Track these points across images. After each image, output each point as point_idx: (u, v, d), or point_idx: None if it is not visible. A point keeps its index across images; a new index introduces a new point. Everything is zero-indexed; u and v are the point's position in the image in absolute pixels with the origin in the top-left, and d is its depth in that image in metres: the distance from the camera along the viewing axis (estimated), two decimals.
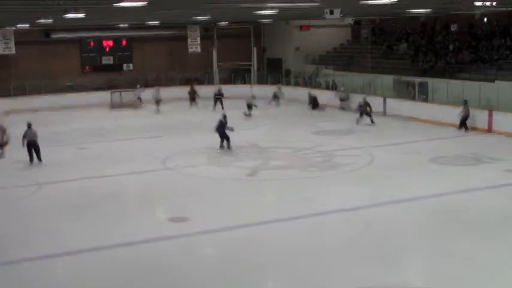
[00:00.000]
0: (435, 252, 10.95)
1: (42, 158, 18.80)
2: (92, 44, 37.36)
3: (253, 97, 28.88)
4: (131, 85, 34.13)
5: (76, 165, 18.84)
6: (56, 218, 13.70)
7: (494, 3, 21.68)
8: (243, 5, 20.28)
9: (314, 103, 30.00)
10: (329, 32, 37.47)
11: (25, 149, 18.70)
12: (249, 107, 27.84)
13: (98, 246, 11.60)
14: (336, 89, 32.51)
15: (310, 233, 12.15)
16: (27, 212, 14.16)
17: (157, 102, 30.67)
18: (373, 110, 25.07)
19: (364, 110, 24.82)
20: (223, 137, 20.12)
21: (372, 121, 24.62)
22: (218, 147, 20.20)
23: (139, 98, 32.83)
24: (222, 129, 20.05)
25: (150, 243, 11.76)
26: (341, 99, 29.78)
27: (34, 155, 18.75)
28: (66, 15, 20.32)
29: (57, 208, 14.36)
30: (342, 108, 29.45)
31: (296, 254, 11.03)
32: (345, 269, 10.32)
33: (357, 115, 24.94)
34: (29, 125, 18.95)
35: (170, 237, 12.05)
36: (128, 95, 33.33)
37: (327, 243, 11.66)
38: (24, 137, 18.73)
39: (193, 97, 32.01)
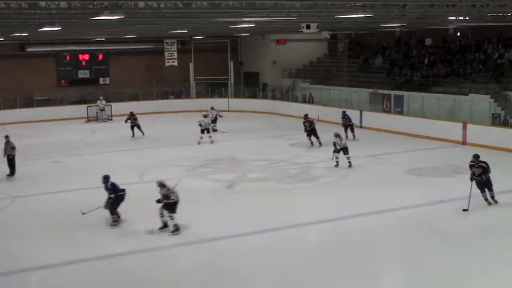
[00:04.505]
0: (411, 264, 11.05)
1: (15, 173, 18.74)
2: (67, 57, 37.12)
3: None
4: (107, 99, 33.90)
5: (51, 179, 18.64)
6: (31, 231, 13.49)
7: (467, 18, 22.08)
8: (219, 20, 20.36)
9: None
10: (306, 46, 37.70)
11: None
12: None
13: (75, 260, 11.46)
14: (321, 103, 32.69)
15: (289, 245, 12.15)
16: (1, 225, 13.93)
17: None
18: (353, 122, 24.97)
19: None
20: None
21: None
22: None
23: (102, 110, 32.81)
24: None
25: (128, 256, 11.68)
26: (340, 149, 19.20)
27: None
28: (42, 29, 20.25)
29: (32, 221, 14.17)
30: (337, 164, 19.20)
31: (274, 265, 11.02)
32: (323, 281, 10.32)
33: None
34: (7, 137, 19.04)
35: (148, 249, 11.97)
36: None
37: (305, 254, 11.65)
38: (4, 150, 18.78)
39: (136, 124, 26.73)
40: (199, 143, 23.79)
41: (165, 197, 12.77)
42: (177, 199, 12.85)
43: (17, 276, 10.88)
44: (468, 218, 13.62)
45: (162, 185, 12.96)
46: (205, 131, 23.92)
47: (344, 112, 24.77)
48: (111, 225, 13.37)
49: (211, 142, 23.91)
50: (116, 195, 13.44)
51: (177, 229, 12.74)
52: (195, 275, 11.01)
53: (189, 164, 20.20)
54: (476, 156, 14.05)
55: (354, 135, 24.14)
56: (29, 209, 15.31)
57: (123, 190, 13.59)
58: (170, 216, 12.74)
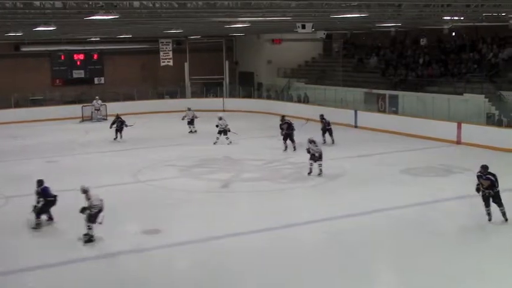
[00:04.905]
0: (405, 264, 11.07)
1: None
2: (62, 57, 37.00)
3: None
4: (102, 99, 33.80)
5: (46, 178, 18.44)
6: (26, 231, 13.44)
7: (461, 18, 22.13)
8: (214, 19, 20.35)
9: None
10: (301, 46, 37.68)
11: None
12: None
13: (73, 259, 11.47)
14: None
15: (283, 245, 12.17)
16: None
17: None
18: (344, 122, 25.10)
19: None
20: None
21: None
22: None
23: (97, 110, 32.79)
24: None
25: (125, 256, 11.68)
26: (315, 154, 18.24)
27: None
28: (37, 29, 20.19)
29: (26, 221, 14.10)
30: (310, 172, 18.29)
31: (270, 265, 11.04)
32: (317, 280, 10.33)
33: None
34: None
35: (145, 249, 11.96)
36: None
37: (300, 254, 11.66)
38: None
39: (120, 128, 25.53)
40: (215, 143, 23.73)
41: (88, 208, 12.45)
42: (99, 209, 12.45)
43: (13, 276, 10.86)
44: (463, 218, 13.68)
45: (84, 191, 12.61)
46: (222, 133, 23.81)
47: (322, 116, 23.83)
48: (33, 228, 13.22)
49: (229, 143, 23.69)
50: (45, 200, 13.33)
51: (89, 240, 12.27)
52: (191, 274, 11.02)
53: (184, 164, 20.20)
54: (484, 167, 12.92)
55: (332, 140, 23.31)
56: (25, 209, 15.20)
57: (55, 196, 13.46)
58: (88, 226, 12.33)
